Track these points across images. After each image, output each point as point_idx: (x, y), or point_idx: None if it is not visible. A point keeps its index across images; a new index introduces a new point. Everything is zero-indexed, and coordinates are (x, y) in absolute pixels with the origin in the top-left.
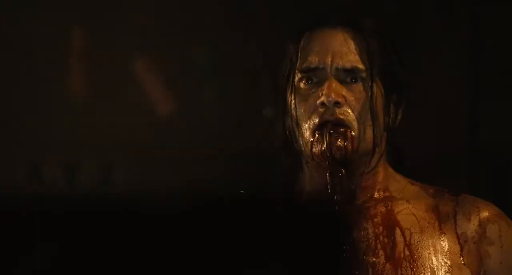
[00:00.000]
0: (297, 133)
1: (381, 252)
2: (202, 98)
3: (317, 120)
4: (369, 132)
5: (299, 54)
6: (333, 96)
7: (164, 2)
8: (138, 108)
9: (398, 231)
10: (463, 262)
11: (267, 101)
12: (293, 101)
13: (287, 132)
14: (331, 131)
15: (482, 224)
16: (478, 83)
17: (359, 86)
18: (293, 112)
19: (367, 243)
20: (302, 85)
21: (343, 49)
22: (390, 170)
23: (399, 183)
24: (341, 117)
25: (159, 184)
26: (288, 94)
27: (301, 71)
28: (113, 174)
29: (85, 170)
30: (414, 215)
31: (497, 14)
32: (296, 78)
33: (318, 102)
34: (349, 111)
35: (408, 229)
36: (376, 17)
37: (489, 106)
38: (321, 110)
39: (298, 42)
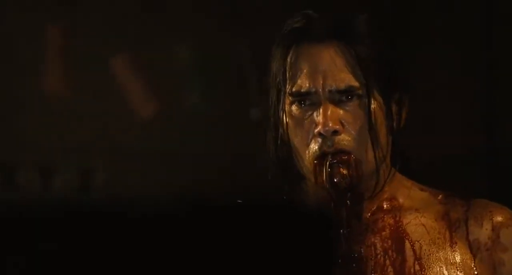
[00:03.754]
0: (297, 158)
1: (390, 269)
2: (185, 99)
3: (316, 150)
4: (370, 153)
5: (287, 74)
6: (330, 125)
7: None
8: (118, 110)
9: (407, 245)
10: (476, 273)
11: (254, 101)
12: (287, 123)
13: (282, 155)
14: (333, 161)
15: (495, 229)
16: (494, 83)
17: (355, 104)
18: (289, 135)
19: (375, 259)
20: (294, 108)
21: (333, 68)
22: (397, 176)
23: (407, 190)
24: (341, 147)
25: (140, 189)
26: (281, 114)
27: (291, 95)
28: (92, 180)
29: (62, 175)
30: (424, 226)
31: None
32: (287, 101)
33: (315, 131)
34: (348, 137)
35: (418, 241)
36: (378, 13)
37: (506, 106)
38: (319, 139)
39: (284, 59)
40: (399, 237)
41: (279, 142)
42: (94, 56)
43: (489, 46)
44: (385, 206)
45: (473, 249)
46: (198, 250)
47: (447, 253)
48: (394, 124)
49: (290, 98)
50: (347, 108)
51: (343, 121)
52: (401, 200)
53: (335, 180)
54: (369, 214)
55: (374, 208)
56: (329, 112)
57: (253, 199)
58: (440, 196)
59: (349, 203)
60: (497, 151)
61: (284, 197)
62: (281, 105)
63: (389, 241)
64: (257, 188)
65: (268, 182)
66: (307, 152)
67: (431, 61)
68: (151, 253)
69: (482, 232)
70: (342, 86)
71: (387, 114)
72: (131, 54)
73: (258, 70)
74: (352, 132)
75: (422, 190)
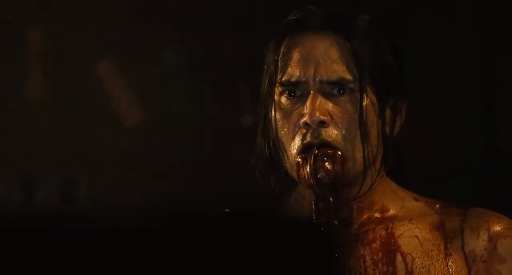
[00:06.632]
0: (283, 153)
1: None
2: (172, 106)
3: (300, 142)
4: (358, 152)
5: (279, 64)
6: (317, 115)
7: (132, 1)
8: (102, 117)
9: (399, 257)
10: None
11: (245, 108)
12: (276, 117)
13: (272, 150)
14: (319, 154)
15: (492, 240)
16: (493, 85)
17: (347, 99)
18: (277, 130)
19: (364, 272)
20: (284, 99)
21: (327, 58)
22: (392, 185)
23: (400, 200)
24: (327, 139)
25: (124, 200)
26: (270, 109)
27: (281, 85)
28: (74, 190)
29: (43, 185)
30: (417, 237)
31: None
32: (277, 92)
33: (301, 121)
34: (336, 130)
35: (410, 254)
36: (377, 11)
37: (506, 109)
38: (304, 130)
39: (278, 48)
40: (390, 249)
41: (269, 136)
42: (78, 63)
43: (488, 52)
44: (376, 217)
45: (469, 260)
46: (185, 261)
47: (441, 265)
48: (387, 130)
49: (280, 88)
50: (337, 102)
51: (332, 115)
52: (393, 211)
53: (319, 175)
54: (358, 225)
55: (364, 218)
56: (317, 103)
57: (242, 207)
58: (437, 205)
59: (331, 200)
60: (496, 158)
61: (273, 200)
62: (271, 97)
63: (380, 254)
64: (247, 196)
65: (257, 190)
66: (292, 145)
67: (429, 64)
68: (136, 266)
69: (478, 243)
70: (333, 77)
71: (380, 116)
72: (116, 57)
73: (248, 75)
74: (341, 127)
75: (416, 200)
